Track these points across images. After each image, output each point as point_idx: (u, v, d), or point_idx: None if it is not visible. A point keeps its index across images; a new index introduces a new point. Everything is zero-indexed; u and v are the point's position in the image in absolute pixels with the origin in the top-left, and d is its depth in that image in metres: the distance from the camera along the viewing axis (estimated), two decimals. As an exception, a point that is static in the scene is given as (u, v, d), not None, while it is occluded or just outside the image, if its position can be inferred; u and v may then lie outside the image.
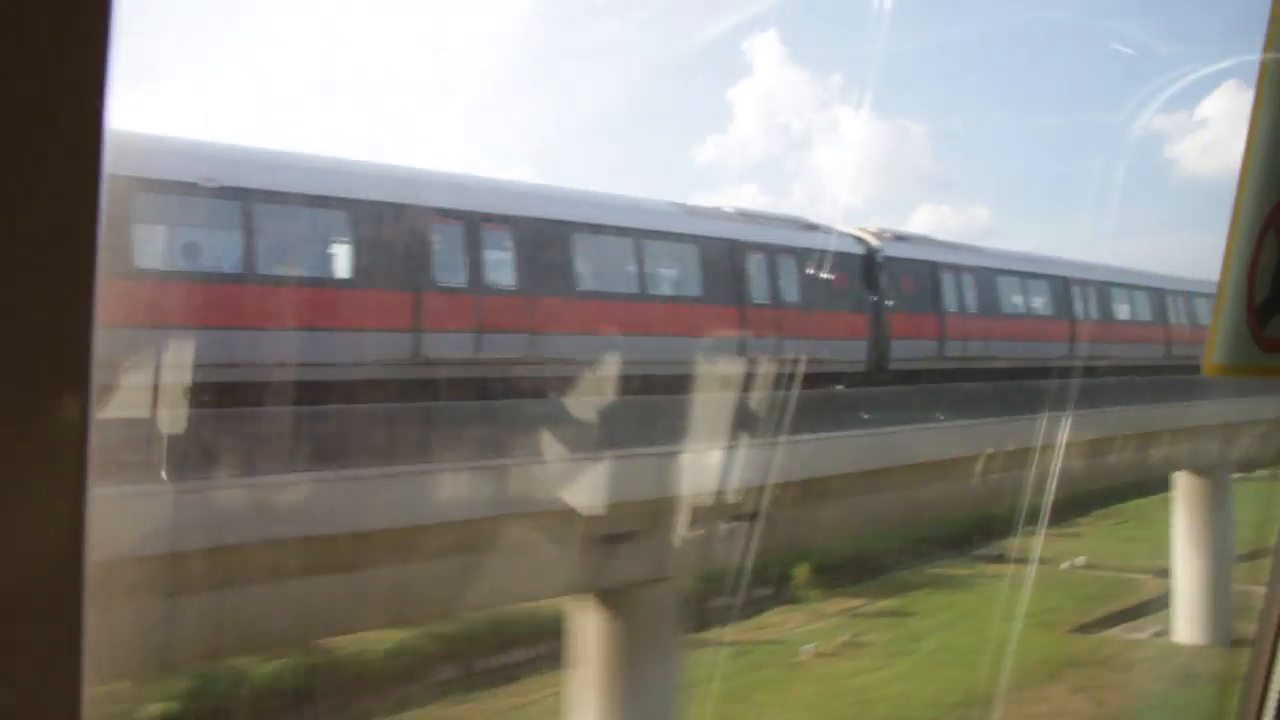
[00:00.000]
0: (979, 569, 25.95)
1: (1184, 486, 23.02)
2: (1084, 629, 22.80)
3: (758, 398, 14.53)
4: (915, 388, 18.72)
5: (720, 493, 11.93)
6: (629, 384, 14.37)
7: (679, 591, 13.10)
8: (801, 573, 23.49)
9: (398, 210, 13.70)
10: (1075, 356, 22.77)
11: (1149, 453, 21.78)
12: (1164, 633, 22.57)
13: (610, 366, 14.68)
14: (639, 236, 15.64)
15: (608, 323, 15.09)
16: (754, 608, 21.01)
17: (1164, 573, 24.48)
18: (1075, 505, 34.59)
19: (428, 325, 13.70)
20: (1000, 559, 25.77)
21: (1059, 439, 16.28)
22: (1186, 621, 22.08)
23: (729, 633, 18.48)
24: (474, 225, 14.34)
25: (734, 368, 15.83)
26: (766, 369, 15.80)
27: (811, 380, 16.25)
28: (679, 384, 14.91)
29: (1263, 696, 2.09)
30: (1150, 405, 21.33)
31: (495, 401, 13.83)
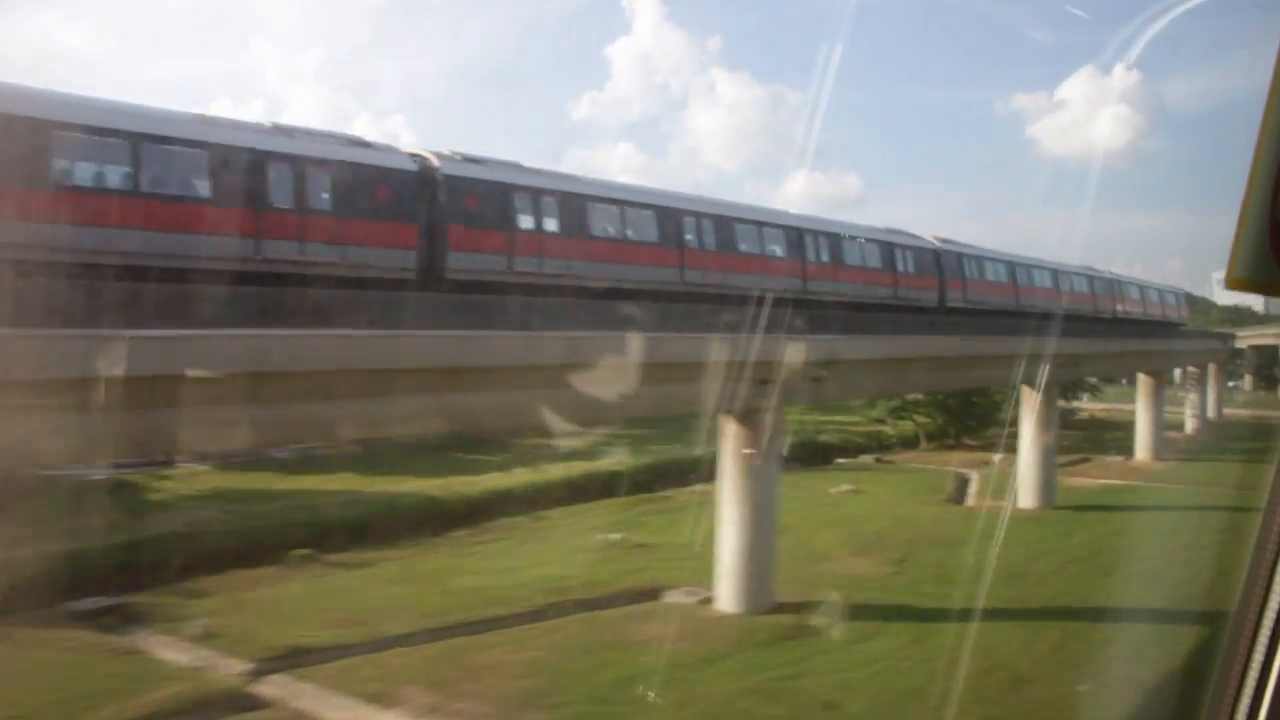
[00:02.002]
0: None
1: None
2: None
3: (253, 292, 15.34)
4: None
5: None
6: (111, 272, 14.68)
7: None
8: None
9: None
10: (682, 282, 24.04)
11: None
12: None
13: (90, 255, 14.95)
14: (131, 139, 16.36)
15: (84, 216, 15.68)
16: None
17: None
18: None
19: None
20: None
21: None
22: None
23: None
24: None
25: (245, 265, 16.32)
26: (279, 269, 16.79)
27: (342, 282, 17.19)
28: (167, 275, 15.27)
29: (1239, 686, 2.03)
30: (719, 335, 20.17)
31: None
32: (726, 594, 20.30)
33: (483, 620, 20.02)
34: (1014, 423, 51.91)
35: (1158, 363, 46.32)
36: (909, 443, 49.25)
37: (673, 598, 21.35)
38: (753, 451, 20.43)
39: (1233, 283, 1.90)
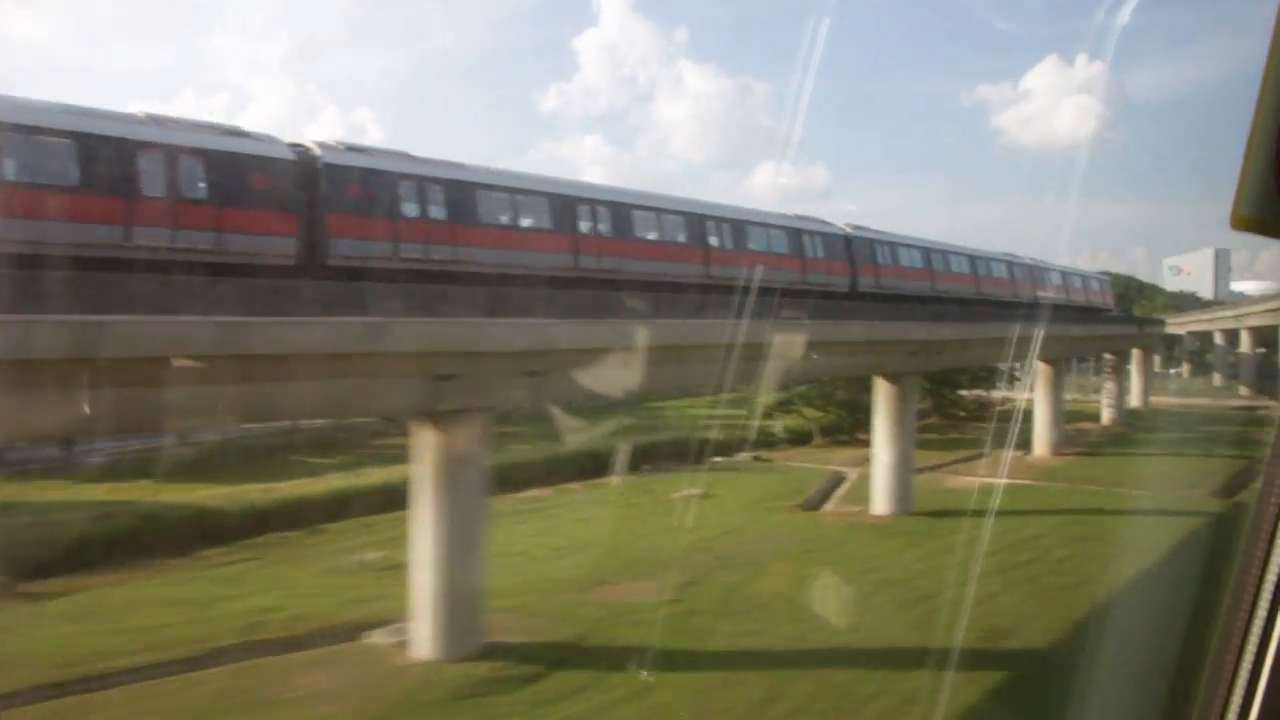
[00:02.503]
0: None
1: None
2: None
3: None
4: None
5: None
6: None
7: None
8: None
9: None
10: (576, 268, 23.46)
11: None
12: None
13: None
14: None
15: None
16: None
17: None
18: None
19: None
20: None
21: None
22: None
23: None
24: None
25: (114, 252, 16.14)
26: (150, 255, 16.41)
27: (219, 269, 17.03)
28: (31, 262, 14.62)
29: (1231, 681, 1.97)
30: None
31: None
32: (423, 636, 16.73)
33: (126, 670, 16.50)
34: (924, 415, 49.38)
35: (1057, 349, 43.11)
36: (800, 438, 45.88)
37: (375, 638, 17.66)
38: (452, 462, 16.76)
39: (1238, 222, 1.84)
